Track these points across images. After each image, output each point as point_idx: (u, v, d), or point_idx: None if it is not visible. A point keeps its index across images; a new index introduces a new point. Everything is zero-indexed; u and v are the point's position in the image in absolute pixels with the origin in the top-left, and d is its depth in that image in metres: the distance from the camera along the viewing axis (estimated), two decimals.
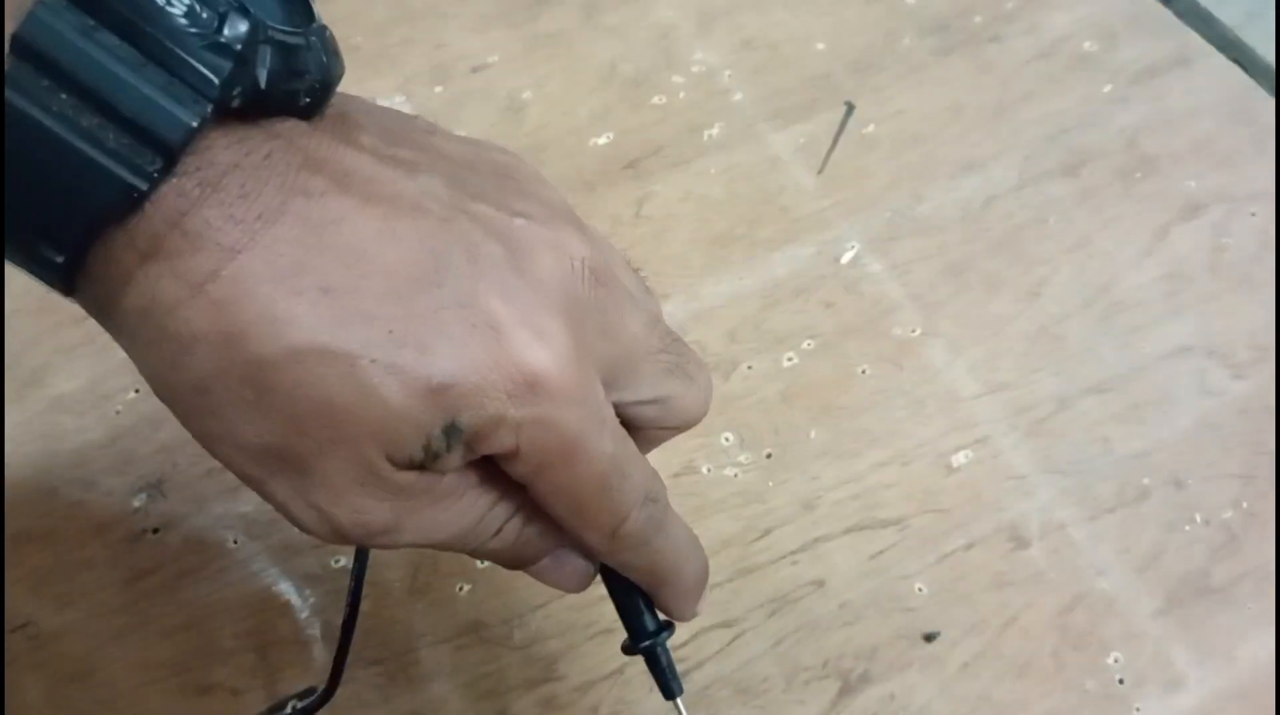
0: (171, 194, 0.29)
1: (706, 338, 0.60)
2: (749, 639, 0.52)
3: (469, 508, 0.35)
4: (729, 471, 0.56)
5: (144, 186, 0.29)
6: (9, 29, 0.28)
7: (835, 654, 0.52)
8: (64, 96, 0.28)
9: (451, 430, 0.32)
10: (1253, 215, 0.64)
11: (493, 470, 0.35)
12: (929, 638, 0.52)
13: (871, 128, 0.68)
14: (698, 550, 0.41)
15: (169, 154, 0.29)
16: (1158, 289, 0.62)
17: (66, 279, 0.31)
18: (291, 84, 0.32)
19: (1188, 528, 0.55)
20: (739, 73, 0.70)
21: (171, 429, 0.57)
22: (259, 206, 0.30)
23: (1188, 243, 0.64)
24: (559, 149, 0.67)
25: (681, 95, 0.69)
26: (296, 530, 0.44)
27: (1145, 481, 0.56)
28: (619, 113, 0.68)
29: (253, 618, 0.53)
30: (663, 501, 0.38)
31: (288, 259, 0.30)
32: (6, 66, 0.28)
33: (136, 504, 0.55)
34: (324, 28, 0.33)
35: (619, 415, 0.36)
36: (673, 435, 0.40)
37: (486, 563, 0.53)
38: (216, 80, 0.29)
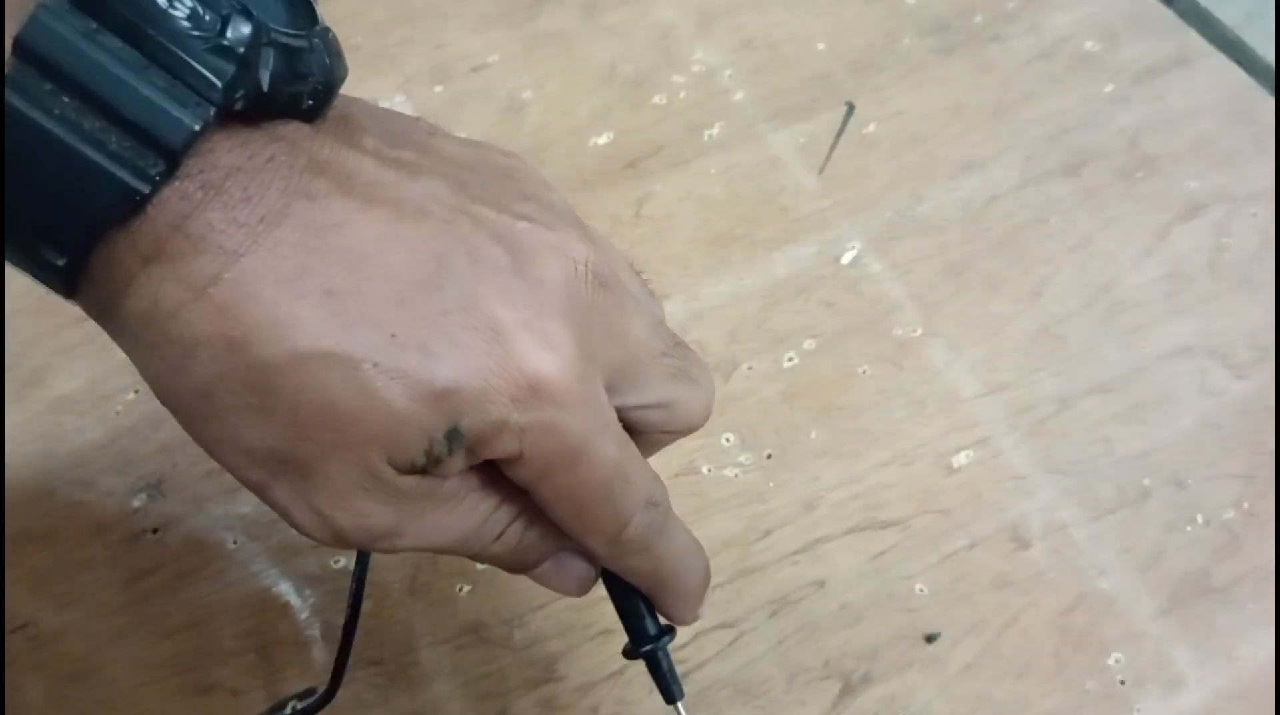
0: (174, 197, 0.29)
1: (707, 338, 0.60)
2: (750, 640, 0.52)
3: (471, 512, 0.35)
4: (729, 472, 0.56)
5: (146, 189, 0.29)
6: (11, 31, 0.28)
7: (836, 655, 0.52)
8: (66, 99, 0.28)
9: (454, 435, 0.32)
10: (1253, 215, 0.64)
11: (495, 474, 0.35)
12: (930, 638, 0.52)
13: (872, 127, 0.68)
14: (699, 554, 0.41)
15: (171, 157, 0.29)
16: (1158, 289, 0.62)
17: (68, 282, 0.30)
18: (294, 86, 0.31)
19: (1189, 528, 0.55)
20: (739, 72, 0.70)
21: (171, 429, 0.56)
22: (262, 209, 0.30)
23: (1188, 243, 0.64)
24: (559, 149, 0.67)
25: (682, 95, 0.69)
26: (296, 531, 0.44)
27: (1146, 482, 0.56)
28: (619, 112, 0.68)
29: (253, 618, 0.52)
30: (665, 506, 0.38)
31: (291, 262, 0.30)
32: (8, 69, 0.28)
33: (136, 504, 0.55)
34: (327, 29, 0.33)
35: (621, 419, 0.36)
36: (675, 439, 0.40)
37: (487, 564, 0.53)
38: (219, 83, 0.29)
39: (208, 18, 0.29)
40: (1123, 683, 0.51)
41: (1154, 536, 0.54)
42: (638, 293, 0.38)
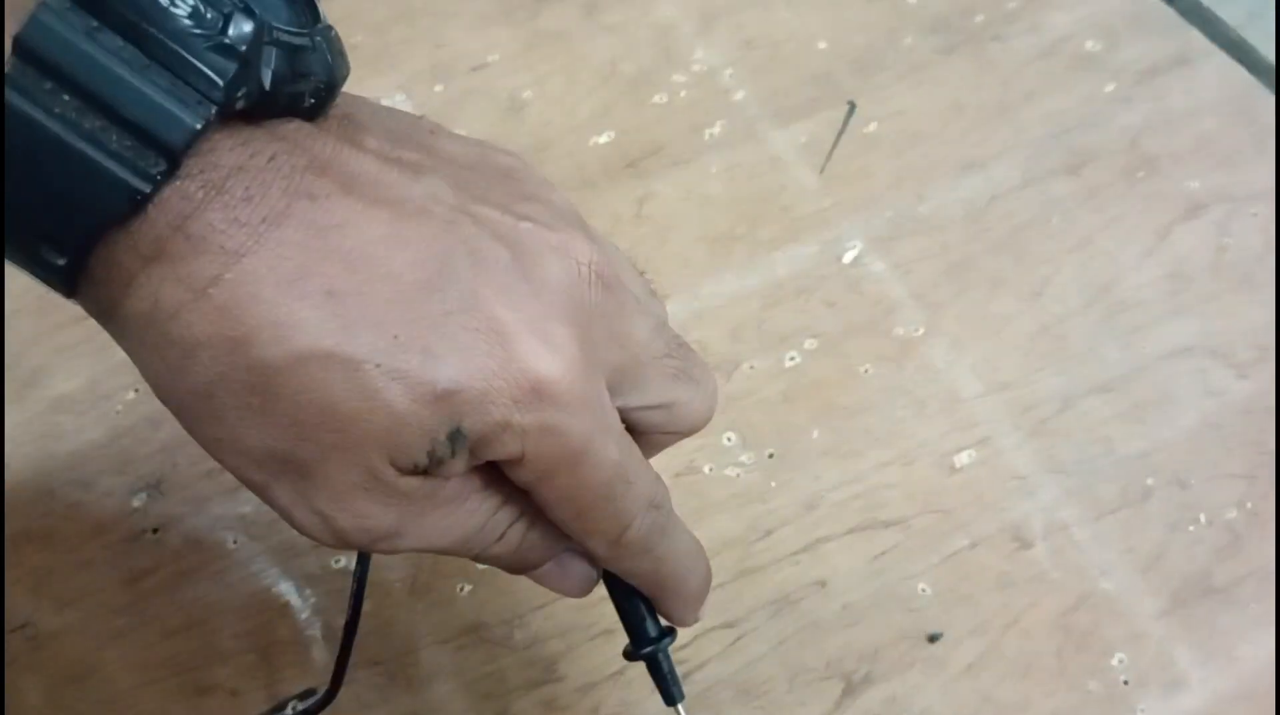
0: (175, 197, 0.29)
1: (708, 337, 0.60)
2: (751, 640, 0.52)
3: (472, 513, 0.35)
4: (731, 471, 0.56)
5: (147, 189, 0.29)
6: (12, 30, 0.28)
7: (838, 655, 0.51)
8: (66, 98, 0.28)
9: (456, 436, 0.32)
10: (1255, 215, 0.64)
11: (496, 475, 0.35)
12: (933, 638, 0.52)
13: (873, 126, 0.67)
14: (700, 556, 0.41)
15: (172, 156, 0.29)
16: (1160, 289, 0.62)
17: (68, 282, 0.30)
18: (296, 85, 0.31)
19: (1191, 528, 0.54)
20: (740, 71, 0.70)
21: (171, 429, 0.56)
22: (263, 209, 0.30)
23: (1190, 242, 0.63)
24: (560, 148, 0.67)
25: (683, 94, 0.69)
26: (297, 532, 0.44)
27: (1149, 481, 0.56)
28: (620, 111, 0.68)
29: (253, 618, 0.52)
30: (666, 508, 0.38)
31: (292, 263, 0.30)
32: (8, 68, 0.28)
33: (136, 504, 0.55)
34: (329, 28, 0.33)
35: (624, 420, 0.36)
36: (677, 440, 0.40)
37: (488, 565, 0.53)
38: (221, 82, 0.29)
39: (209, 16, 0.29)
40: (1126, 683, 0.51)
41: (1156, 536, 0.54)
42: (640, 294, 0.38)
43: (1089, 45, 0.70)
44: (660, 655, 0.41)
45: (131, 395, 0.58)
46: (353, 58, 0.34)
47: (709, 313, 0.61)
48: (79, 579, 0.53)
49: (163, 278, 0.30)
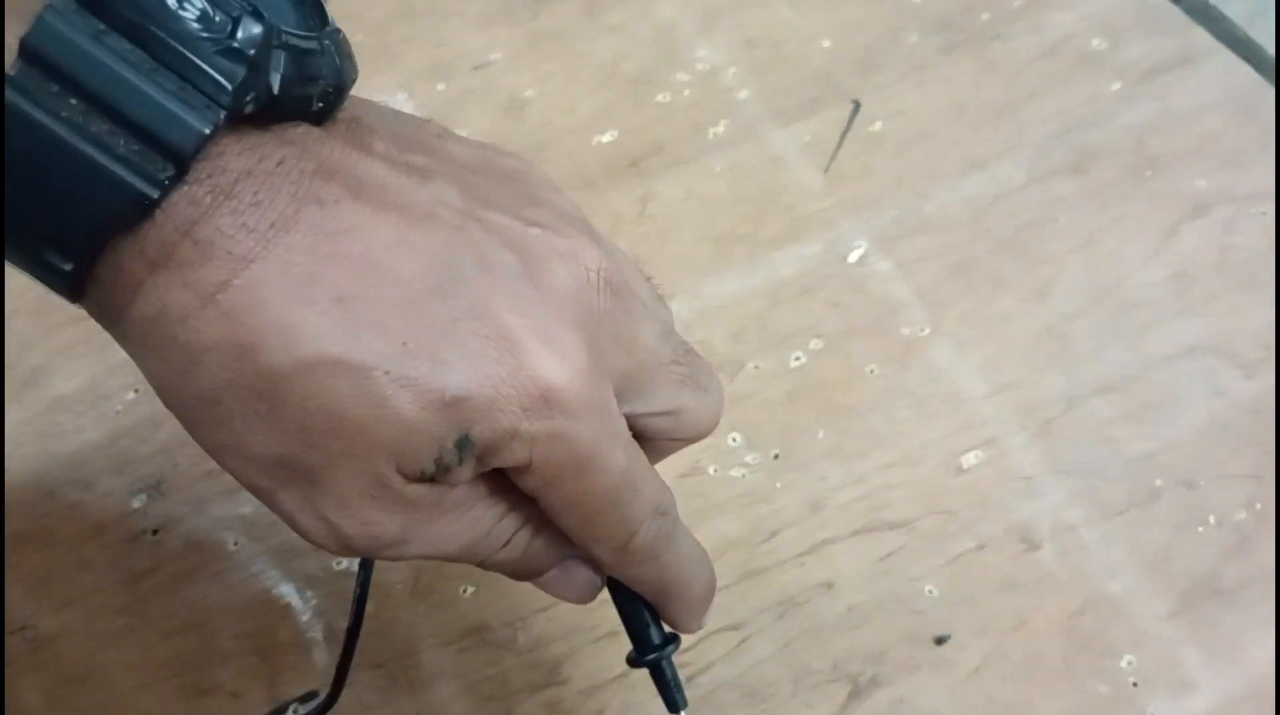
0: (183, 202, 0.29)
1: (711, 337, 0.59)
2: (756, 642, 0.51)
3: (478, 520, 0.35)
4: (736, 472, 0.56)
5: (155, 194, 0.28)
6: (18, 32, 0.27)
7: (844, 657, 0.51)
8: (73, 102, 0.28)
9: (464, 443, 0.32)
10: (1261, 214, 0.64)
11: (502, 482, 0.35)
12: (939, 640, 0.51)
13: (878, 125, 0.67)
14: (705, 563, 0.41)
15: (180, 161, 0.28)
16: (1166, 288, 0.61)
17: (74, 286, 0.30)
18: (305, 89, 0.31)
19: (1200, 529, 0.54)
20: (743, 70, 0.69)
21: (171, 430, 0.56)
22: (272, 214, 0.30)
23: (1196, 242, 0.63)
24: (561, 147, 0.66)
25: (685, 93, 0.69)
26: (302, 538, 0.43)
27: (1157, 482, 0.55)
28: (622, 110, 0.68)
29: (253, 620, 0.52)
30: (672, 514, 0.38)
31: (301, 268, 0.30)
32: (14, 72, 0.27)
33: (136, 505, 0.54)
34: (337, 30, 0.33)
35: (630, 426, 0.36)
36: (683, 446, 0.40)
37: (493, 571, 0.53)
38: (229, 86, 0.29)
39: (218, 19, 0.29)
40: (1135, 685, 0.50)
41: (1164, 538, 0.54)
42: (647, 299, 0.37)
43: (1094, 43, 0.70)
44: (664, 663, 0.41)
45: (131, 395, 0.57)
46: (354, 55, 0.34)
47: (712, 313, 0.61)
48: (79, 580, 0.53)
49: (170, 283, 0.29)
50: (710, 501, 0.55)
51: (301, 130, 0.31)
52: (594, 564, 0.39)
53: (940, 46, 0.70)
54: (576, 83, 0.69)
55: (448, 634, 0.51)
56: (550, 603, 0.52)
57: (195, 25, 0.29)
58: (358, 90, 0.34)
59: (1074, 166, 0.66)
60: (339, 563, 0.53)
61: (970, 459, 0.56)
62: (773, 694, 0.50)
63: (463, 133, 0.38)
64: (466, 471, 0.33)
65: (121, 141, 0.28)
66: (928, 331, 0.60)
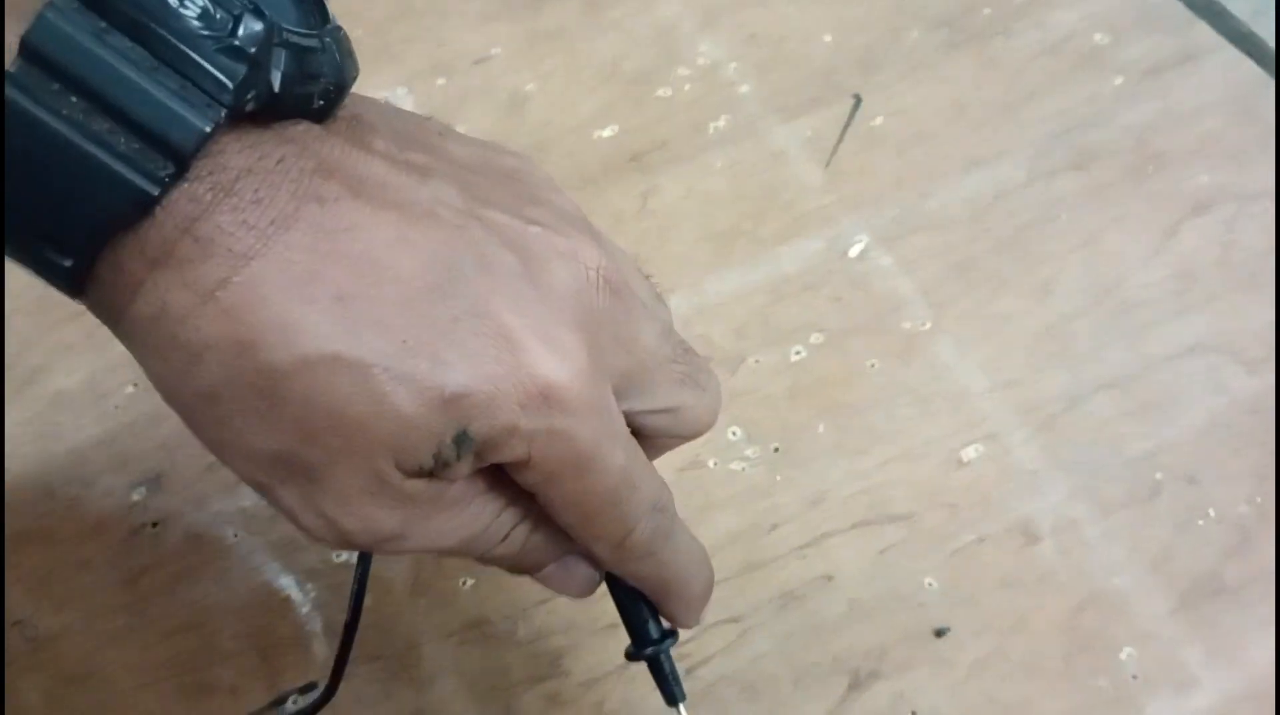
0: (183, 199, 0.29)
1: (712, 332, 0.59)
2: (755, 636, 0.51)
3: (476, 515, 0.35)
4: (736, 466, 0.56)
5: (155, 192, 0.28)
6: (18, 30, 0.27)
7: (844, 651, 0.51)
8: (74, 100, 0.28)
9: (462, 439, 0.32)
10: (1264, 212, 0.64)
11: (500, 477, 0.35)
12: (939, 633, 0.51)
13: (879, 121, 0.67)
14: (703, 560, 0.41)
15: (181, 159, 0.28)
16: (1168, 286, 0.61)
17: (74, 284, 0.30)
18: (305, 87, 0.31)
19: (1201, 524, 0.54)
20: (744, 66, 0.69)
21: (170, 425, 0.56)
22: (272, 212, 0.30)
23: (1198, 239, 0.63)
24: (562, 143, 0.66)
25: (686, 89, 0.68)
26: (302, 533, 0.43)
27: (1157, 477, 0.55)
28: (623, 106, 0.68)
29: (253, 614, 0.52)
30: (670, 512, 0.38)
31: (301, 266, 0.30)
32: (15, 69, 0.27)
33: (135, 498, 0.54)
34: (338, 28, 0.33)
35: (629, 424, 0.36)
36: (680, 444, 0.40)
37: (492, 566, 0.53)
38: (230, 84, 0.29)
39: (219, 17, 0.29)
40: (1135, 678, 0.50)
41: (1165, 534, 0.54)
42: (647, 298, 0.37)
43: (1096, 39, 0.70)
44: (662, 656, 0.41)
45: (130, 390, 0.57)
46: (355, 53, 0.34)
47: (713, 308, 0.61)
48: (78, 579, 0.53)
49: (170, 281, 0.29)
50: (710, 495, 0.55)
51: (302, 128, 0.31)
52: (592, 560, 0.39)
53: (941, 43, 0.70)
54: (577, 79, 0.69)
55: (448, 627, 0.51)
56: (550, 596, 0.52)
57: (196, 23, 0.29)
58: (358, 87, 0.34)
59: (1075, 164, 0.66)
60: (338, 556, 0.53)
61: (971, 453, 0.56)
62: (772, 687, 0.50)
63: (463, 129, 0.38)
64: (465, 467, 0.33)
65: (122, 139, 0.28)
66: (929, 326, 0.59)
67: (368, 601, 0.48)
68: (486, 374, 0.31)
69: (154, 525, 0.54)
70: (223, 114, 0.29)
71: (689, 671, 0.50)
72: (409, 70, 0.69)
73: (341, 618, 0.47)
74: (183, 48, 0.28)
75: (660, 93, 0.68)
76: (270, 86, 0.30)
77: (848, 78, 0.69)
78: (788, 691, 0.50)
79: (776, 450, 0.56)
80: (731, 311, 0.60)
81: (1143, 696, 0.50)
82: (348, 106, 0.34)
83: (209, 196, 0.29)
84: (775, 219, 0.64)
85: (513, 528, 0.36)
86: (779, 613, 0.52)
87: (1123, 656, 0.51)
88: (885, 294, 0.61)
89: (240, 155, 0.30)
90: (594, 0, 0.72)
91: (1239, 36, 0.70)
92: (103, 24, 0.28)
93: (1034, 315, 0.60)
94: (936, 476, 0.55)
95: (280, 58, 0.30)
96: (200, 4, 0.29)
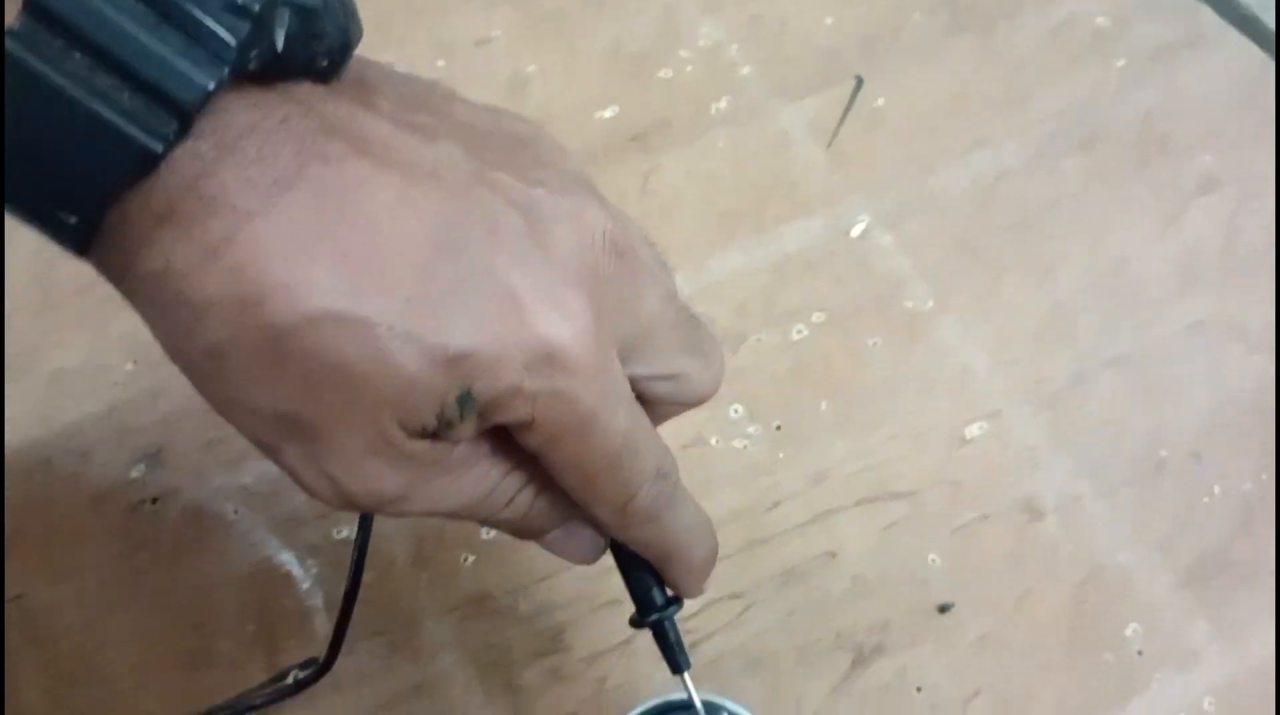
0: (187, 157, 0.29)
1: (714, 312, 0.59)
2: (759, 611, 0.51)
3: (481, 478, 0.35)
4: (738, 443, 0.55)
5: (159, 149, 0.28)
6: None
7: (847, 626, 0.51)
8: (78, 56, 0.27)
9: (466, 399, 0.31)
10: (1268, 193, 0.63)
11: (505, 441, 0.34)
12: (943, 609, 0.51)
13: (881, 102, 0.67)
14: (707, 528, 0.40)
15: (185, 116, 0.28)
16: (1171, 267, 0.61)
17: (79, 241, 0.30)
18: (310, 47, 0.31)
19: (1206, 501, 0.54)
20: (747, 47, 0.69)
21: (170, 401, 0.56)
22: (275, 171, 0.29)
23: (1202, 220, 0.63)
24: (564, 123, 0.66)
25: (688, 70, 0.68)
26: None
27: (1162, 455, 0.55)
28: (624, 87, 0.68)
29: (253, 589, 0.52)
30: (674, 478, 0.38)
31: (304, 225, 0.29)
32: (18, 26, 0.27)
33: (135, 474, 0.54)
34: None
35: (631, 389, 0.36)
36: (682, 411, 0.40)
37: (492, 534, 0.53)
38: (234, 42, 0.28)
39: None
40: (1140, 654, 0.50)
41: (1170, 510, 0.54)
42: (652, 263, 0.37)
43: (1099, 22, 0.70)
44: (666, 623, 0.41)
45: (130, 367, 0.57)
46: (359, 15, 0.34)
47: (715, 288, 0.60)
48: (78, 553, 0.53)
49: (174, 238, 0.29)
50: (712, 472, 0.54)
51: (306, 88, 0.31)
52: (597, 525, 0.39)
53: (944, 26, 0.70)
54: (578, 61, 0.69)
55: (449, 602, 0.51)
56: (552, 571, 0.51)
57: None
58: None
59: (1079, 147, 0.66)
60: (339, 531, 0.53)
61: (974, 431, 0.56)
62: (775, 662, 0.50)
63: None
64: (468, 428, 0.33)
65: (126, 96, 0.28)
66: (931, 306, 0.59)
67: (369, 577, 0.48)
68: (490, 334, 0.31)
69: (154, 501, 0.53)
70: (226, 71, 0.28)
71: (692, 646, 0.50)
72: (409, 52, 0.69)
73: (342, 593, 0.47)
74: (186, 5, 0.28)
75: (662, 74, 0.68)
76: (274, 45, 0.30)
77: (850, 59, 0.69)
78: (791, 667, 0.50)
79: (779, 428, 0.56)
80: (733, 291, 0.60)
81: (1148, 672, 0.50)
82: (353, 68, 0.33)
83: (212, 154, 0.29)
84: (777, 199, 0.63)
85: (517, 492, 0.36)
86: (781, 589, 0.52)
87: (1128, 632, 0.50)
88: (887, 274, 0.61)
89: (244, 113, 0.29)
90: None
91: (1242, 21, 0.70)
92: None
93: (1037, 296, 0.60)
94: (939, 454, 0.55)
95: (284, 17, 0.30)
96: None
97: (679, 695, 0.41)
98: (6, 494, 0.54)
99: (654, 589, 0.41)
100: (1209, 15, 0.70)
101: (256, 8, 0.29)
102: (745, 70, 0.68)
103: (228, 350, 0.30)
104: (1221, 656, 0.50)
